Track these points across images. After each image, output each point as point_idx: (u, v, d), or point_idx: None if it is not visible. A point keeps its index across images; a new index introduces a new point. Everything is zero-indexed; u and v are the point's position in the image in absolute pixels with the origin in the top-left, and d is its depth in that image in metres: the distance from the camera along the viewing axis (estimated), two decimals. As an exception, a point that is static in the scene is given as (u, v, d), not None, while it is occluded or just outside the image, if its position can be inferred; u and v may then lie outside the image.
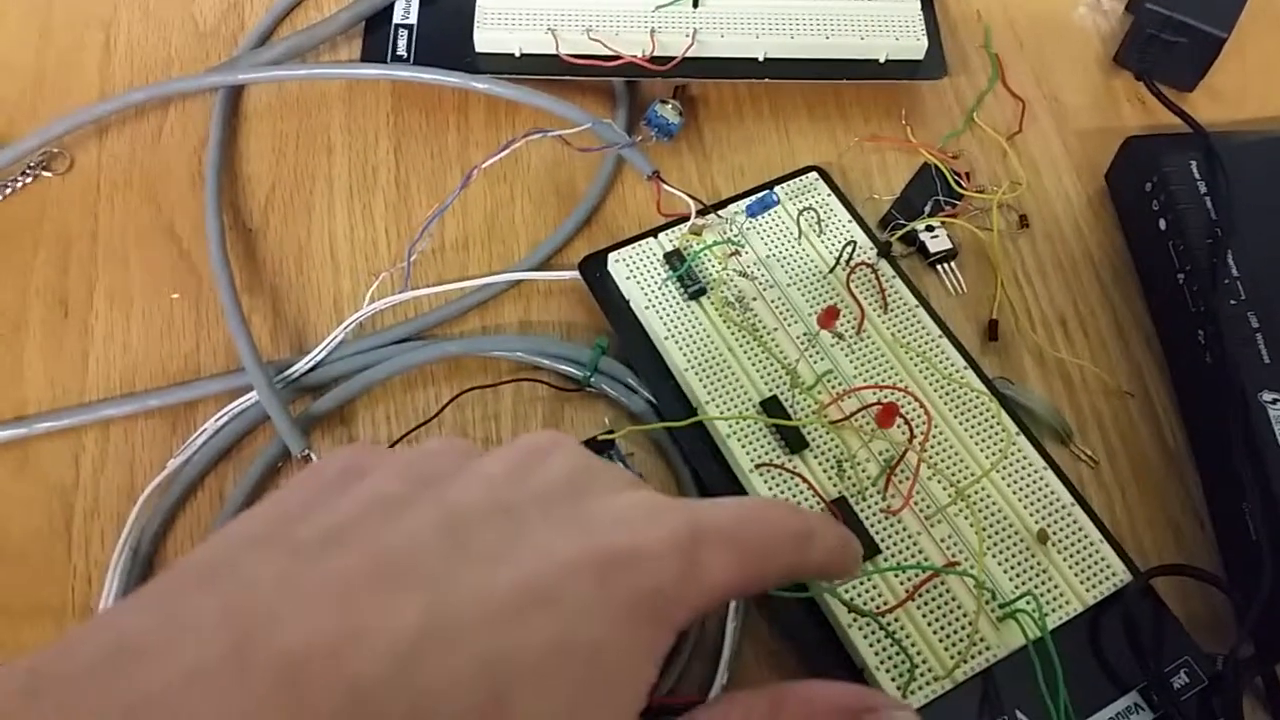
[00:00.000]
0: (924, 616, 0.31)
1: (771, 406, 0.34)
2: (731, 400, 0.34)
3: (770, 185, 0.39)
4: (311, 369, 0.36)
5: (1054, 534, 0.32)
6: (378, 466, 0.20)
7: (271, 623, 0.16)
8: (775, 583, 0.22)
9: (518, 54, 0.41)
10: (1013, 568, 0.32)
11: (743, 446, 0.33)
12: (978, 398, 0.35)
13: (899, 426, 0.33)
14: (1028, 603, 0.31)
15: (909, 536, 0.32)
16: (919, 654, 0.30)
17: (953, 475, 0.33)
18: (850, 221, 0.38)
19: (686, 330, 0.35)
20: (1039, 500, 0.33)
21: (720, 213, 0.38)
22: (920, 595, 0.31)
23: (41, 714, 0.15)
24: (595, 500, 0.20)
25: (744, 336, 0.35)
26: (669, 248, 0.37)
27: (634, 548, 0.18)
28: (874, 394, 0.34)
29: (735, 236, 0.38)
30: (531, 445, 0.21)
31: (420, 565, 0.17)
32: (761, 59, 0.41)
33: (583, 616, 0.17)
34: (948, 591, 0.31)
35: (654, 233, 0.38)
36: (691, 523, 0.19)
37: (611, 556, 0.18)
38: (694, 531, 0.19)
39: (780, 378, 0.35)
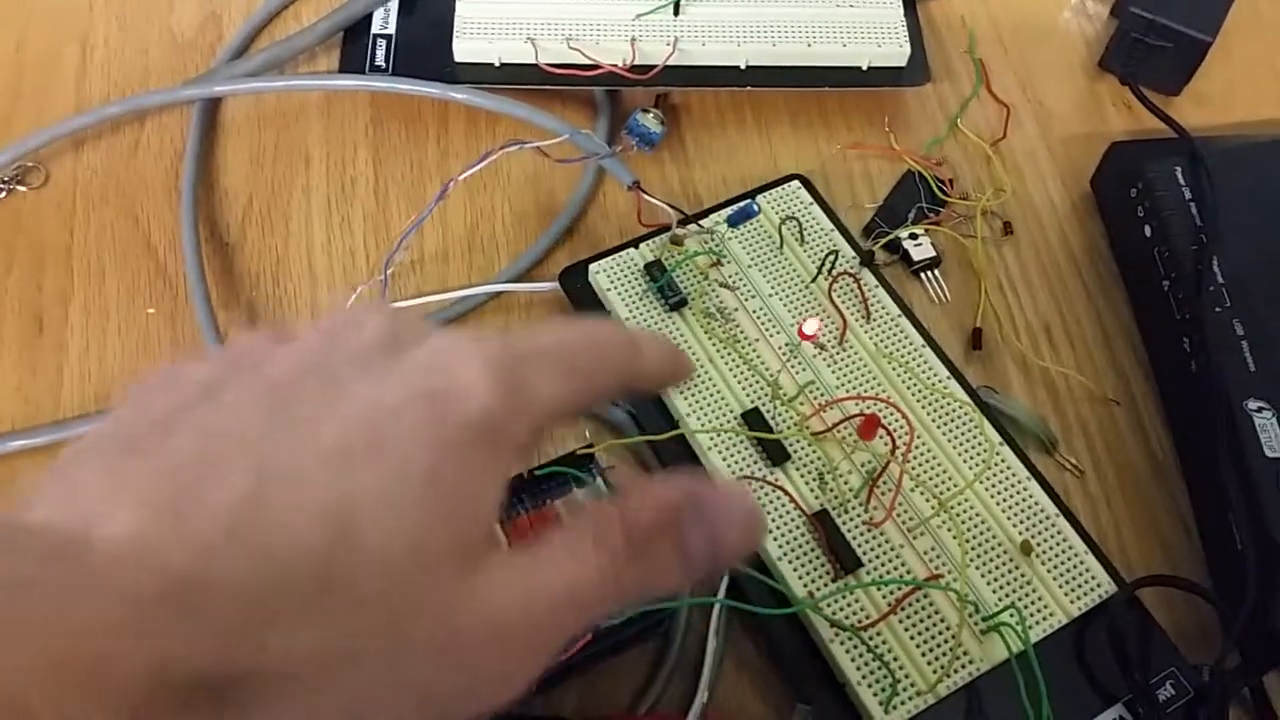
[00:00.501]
0: (907, 630, 0.30)
1: (753, 419, 0.33)
2: (712, 412, 0.34)
3: (752, 194, 0.39)
4: (288, 384, 0.36)
5: (1038, 545, 0.32)
6: (194, 364, 0.20)
7: (100, 518, 0.16)
8: (608, 394, 0.22)
9: (497, 64, 0.41)
10: (996, 580, 0.31)
11: (724, 459, 0.33)
12: (961, 408, 0.34)
13: (881, 438, 0.33)
14: (1011, 615, 0.30)
15: (891, 549, 0.32)
16: (901, 669, 0.30)
17: (936, 487, 0.33)
18: (833, 230, 0.38)
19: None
20: (1023, 511, 0.33)
21: (701, 222, 0.38)
22: (903, 609, 0.30)
23: None
24: (411, 351, 0.20)
25: (725, 348, 0.35)
26: (650, 258, 0.37)
27: (454, 380, 0.19)
28: (856, 405, 0.34)
29: (716, 246, 0.37)
30: (341, 317, 0.21)
31: (243, 434, 0.18)
32: (743, 67, 0.41)
33: (413, 449, 0.18)
34: (931, 604, 0.31)
35: (635, 243, 0.37)
36: (507, 348, 0.20)
37: (434, 391, 0.19)
38: (512, 354, 0.20)
39: (762, 389, 0.34)
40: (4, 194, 0.40)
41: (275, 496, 0.17)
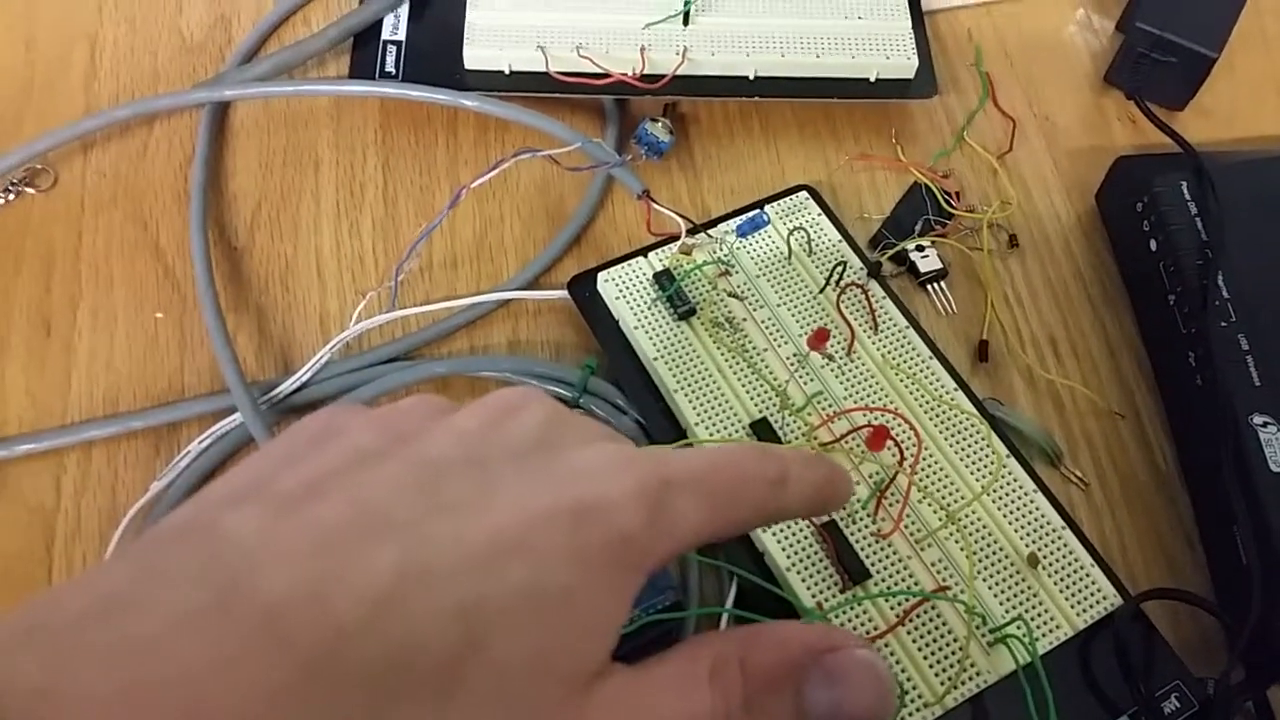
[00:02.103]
0: (914, 642, 0.30)
1: (761, 428, 0.34)
2: (721, 422, 0.34)
3: (760, 204, 0.39)
4: (297, 389, 0.36)
5: (1044, 557, 0.32)
6: (353, 424, 0.21)
7: (252, 572, 0.16)
8: (751, 525, 0.23)
9: (507, 71, 0.41)
10: (1003, 592, 0.32)
11: (732, 469, 0.33)
12: (968, 419, 0.35)
13: (889, 449, 0.33)
14: (1018, 627, 0.30)
15: (899, 560, 0.32)
16: (909, 680, 0.30)
17: (943, 498, 0.33)
18: (840, 241, 0.38)
19: (676, 351, 0.35)
20: (1029, 523, 0.33)
21: (710, 232, 0.38)
22: (910, 620, 0.30)
23: (37, 661, 0.15)
24: (566, 453, 0.20)
25: (734, 357, 0.35)
26: (659, 267, 0.37)
27: (602, 497, 0.19)
28: (864, 416, 0.34)
29: (725, 256, 0.37)
30: (504, 401, 0.22)
31: (395, 514, 0.18)
32: (752, 77, 0.41)
33: (553, 563, 0.18)
34: (938, 616, 0.31)
35: (643, 252, 0.37)
36: (659, 471, 0.20)
37: (581, 506, 0.19)
38: (661, 479, 0.20)
39: (770, 399, 0.34)
40: (13, 196, 0.40)
41: (415, 589, 0.17)
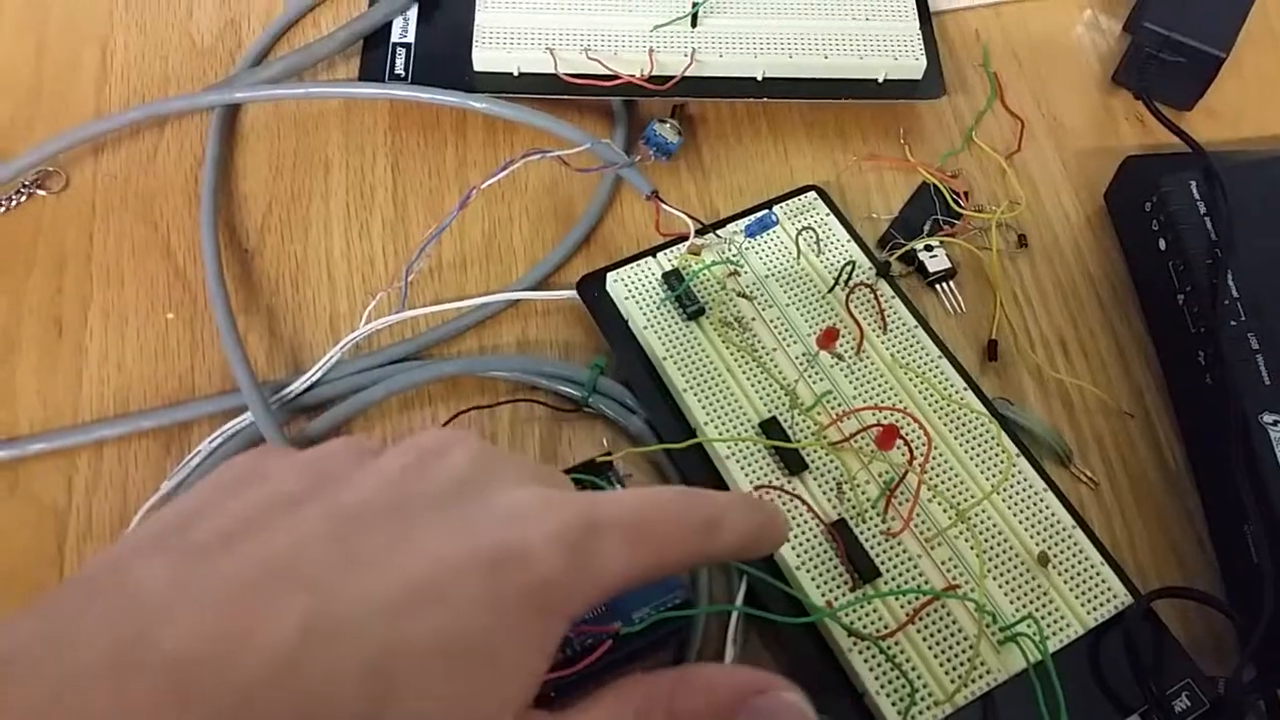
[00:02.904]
0: (925, 640, 0.30)
1: (770, 428, 0.34)
2: (730, 421, 0.34)
3: (769, 205, 0.39)
4: (307, 389, 0.36)
5: (1055, 556, 0.32)
6: (275, 469, 0.20)
7: (155, 626, 0.16)
8: (679, 569, 0.23)
9: (516, 73, 0.41)
10: (1013, 590, 0.32)
11: (741, 468, 0.33)
12: (977, 419, 0.35)
13: (899, 448, 0.33)
14: (1029, 626, 0.30)
15: (909, 559, 0.32)
16: (919, 678, 0.30)
17: (953, 497, 0.33)
18: (849, 241, 0.38)
19: (685, 350, 0.35)
20: (1039, 522, 0.33)
21: (719, 232, 0.38)
22: (921, 619, 0.30)
23: None
24: (489, 496, 0.20)
25: (743, 357, 0.35)
26: (667, 267, 0.37)
27: (522, 543, 0.19)
28: (874, 415, 0.34)
29: (734, 256, 0.37)
30: (429, 442, 0.21)
31: (307, 566, 0.18)
32: (760, 78, 0.41)
33: (468, 613, 0.18)
34: (948, 615, 0.31)
35: (652, 252, 0.37)
36: (583, 515, 0.20)
37: (499, 552, 0.18)
38: (587, 522, 0.19)
39: (779, 399, 0.34)
40: (24, 198, 0.40)
41: (323, 643, 0.17)
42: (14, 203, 0.40)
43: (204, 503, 0.19)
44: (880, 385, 0.35)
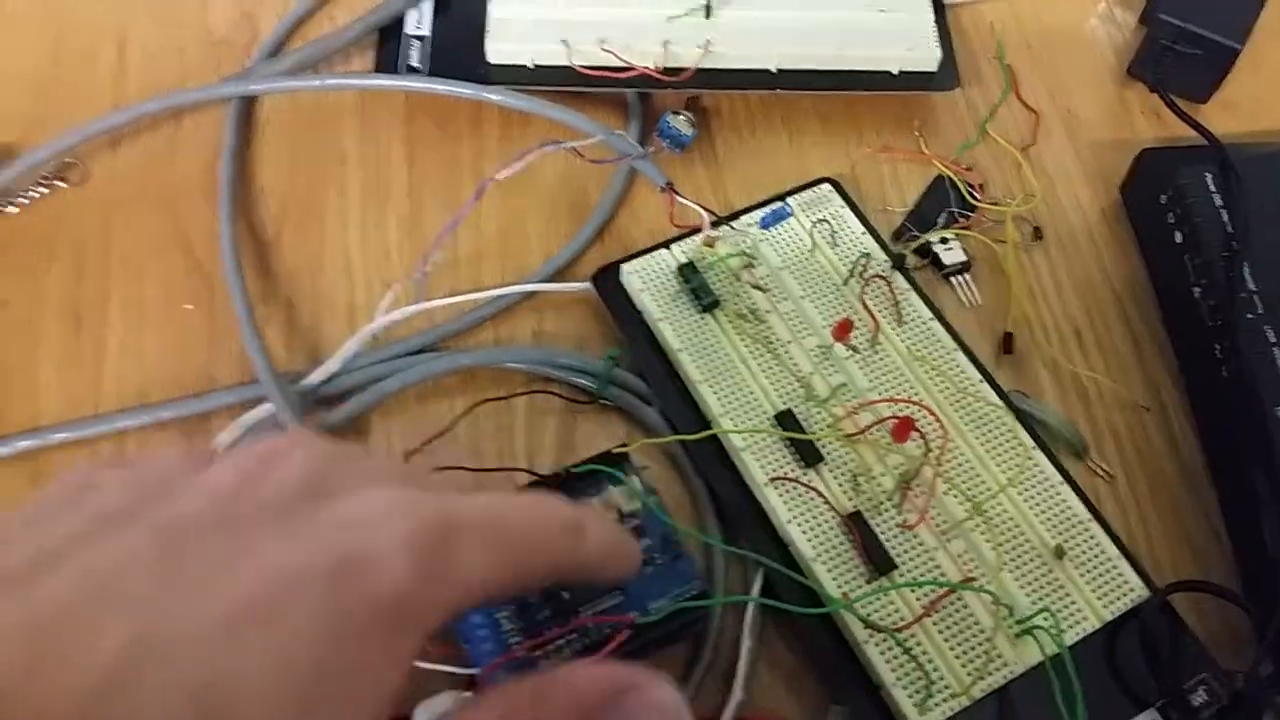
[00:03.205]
0: (940, 633, 0.30)
1: (786, 420, 0.34)
2: (745, 413, 0.34)
3: (783, 197, 0.39)
4: (326, 381, 0.36)
5: (1071, 549, 0.32)
6: (103, 483, 0.19)
7: None
8: (544, 577, 0.21)
9: (530, 65, 0.41)
10: (1029, 583, 0.32)
11: (757, 460, 0.33)
12: (993, 411, 0.35)
13: (914, 440, 0.33)
14: (1045, 619, 0.30)
15: (925, 551, 0.32)
16: (936, 671, 0.30)
17: (969, 490, 0.33)
18: (864, 233, 0.38)
19: (700, 342, 0.35)
20: (1055, 515, 0.33)
21: (733, 224, 0.38)
22: (937, 611, 0.31)
23: None
24: (332, 503, 0.18)
25: (758, 349, 0.35)
26: (682, 260, 0.37)
27: (366, 550, 0.17)
28: (889, 407, 0.34)
29: (749, 248, 0.37)
30: (266, 450, 0.20)
31: (128, 587, 0.16)
32: (774, 70, 0.41)
33: (305, 631, 0.16)
34: (965, 607, 0.31)
35: (667, 244, 0.38)
36: (435, 519, 0.18)
37: (339, 563, 0.17)
38: (443, 524, 0.18)
39: (794, 391, 0.34)
40: (44, 191, 0.40)
41: (146, 671, 0.15)
42: (34, 196, 0.40)
43: (24, 522, 0.18)
44: (895, 377, 0.35)
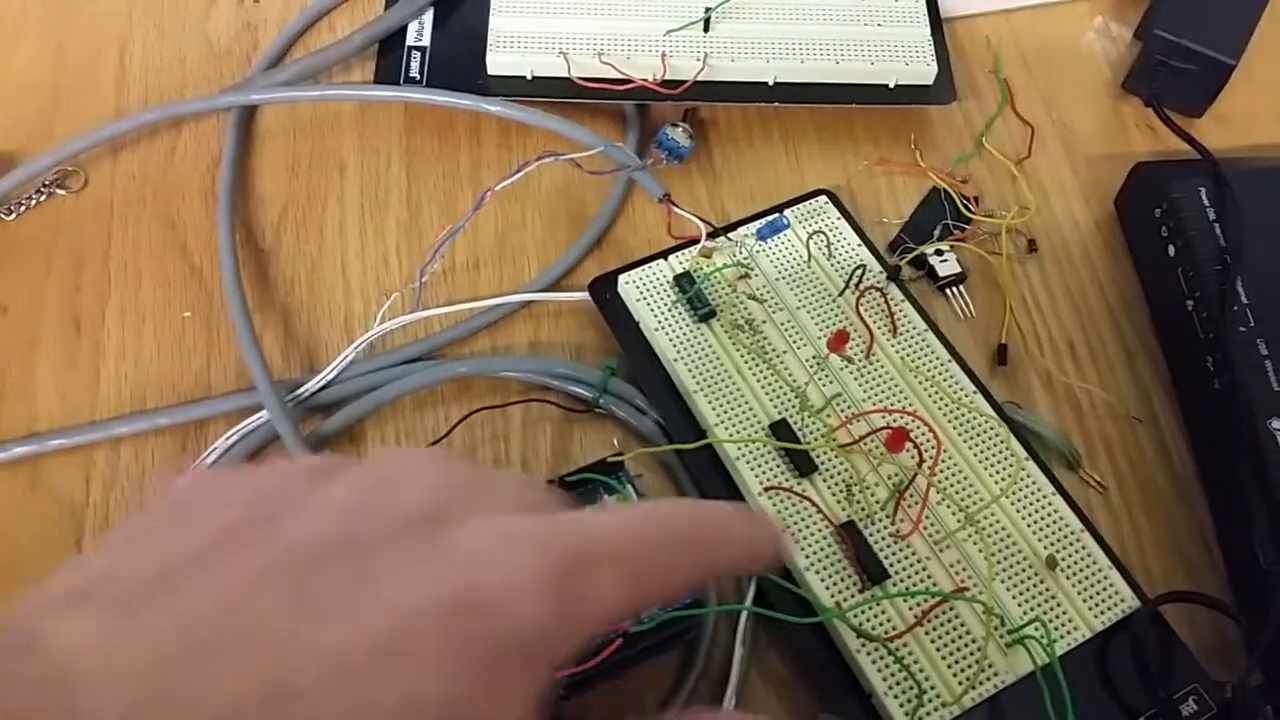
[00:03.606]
0: (933, 642, 0.30)
1: (780, 430, 0.34)
2: (740, 423, 0.34)
3: (780, 208, 0.39)
4: (322, 388, 0.36)
5: (1063, 560, 0.32)
6: (223, 491, 0.19)
7: (90, 694, 0.14)
8: (680, 594, 0.21)
9: (529, 77, 0.41)
10: (1021, 593, 0.32)
11: (751, 469, 0.33)
12: (987, 422, 0.35)
13: (908, 451, 0.34)
14: (1036, 629, 0.31)
15: (918, 561, 0.32)
16: (927, 680, 0.30)
17: (962, 500, 0.33)
18: (860, 245, 0.39)
19: (696, 352, 0.35)
20: (1048, 526, 0.33)
21: (730, 235, 0.38)
22: (929, 621, 0.31)
23: None
24: (453, 531, 0.18)
25: (753, 359, 0.35)
26: (679, 270, 0.37)
27: (494, 586, 0.17)
28: (883, 418, 0.34)
29: (745, 259, 0.38)
30: (387, 467, 0.19)
31: (254, 620, 0.16)
32: (772, 83, 0.42)
33: (433, 671, 0.16)
34: (956, 617, 0.31)
35: (664, 255, 0.38)
36: (565, 550, 0.17)
37: (463, 601, 0.16)
38: (573, 555, 0.17)
39: (790, 401, 0.35)
40: (44, 197, 0.40)
41: (279, 706, 0.15)
42: (34, 202, 0.40)
43: (143, 531, 0.18)
44: (890, 388, 0.35)
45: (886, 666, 0.30)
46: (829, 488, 0.33)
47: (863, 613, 0.31)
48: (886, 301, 0.37)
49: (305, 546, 0.17)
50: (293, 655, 0.15)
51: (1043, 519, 0.33)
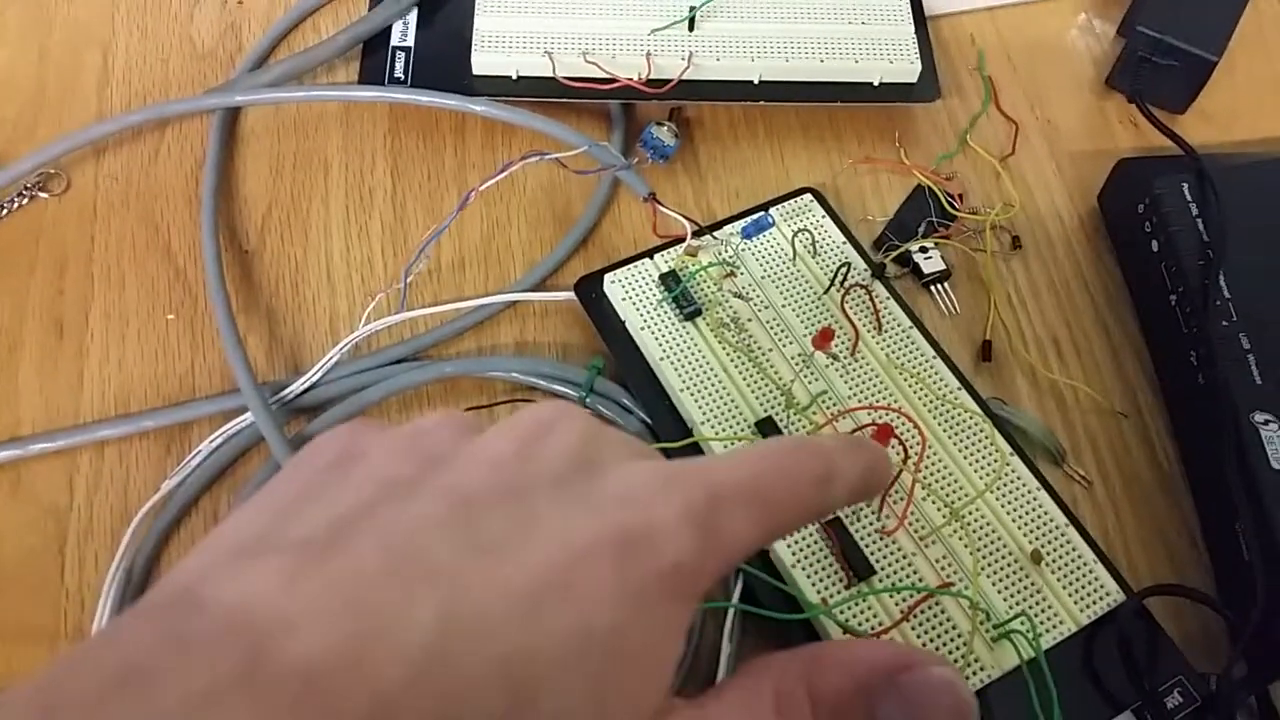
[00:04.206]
0: (919, 637, 0.31)
1: (766, 427, 0.34)
2: (726, 421, 0.34)
3: (765, 207, 0.39)
4: (307, 390, 0.36)
5: (1048, 554, 0.32)
6: (373, 447, 0.19)
7: (281, 634, 0.15)
8: (800, 525, 0.22)
9: (514, 77, 0.41)
10: (1007, 588, 0.32)
11: (738, 467, 0.33)
12: (971, 419, 0.35)
13: (894, 447, 0.34)
14: (1022, 623, 0.31)
15: (904, 557, 0.32)
16: (914, 675, 0.30)
17: (947, 496, 0.33)
18: (844, 243, 0.39)
19: (682, 351, 0.35)
20: (1033, 521, 0.33)
21: (715, 234, 0.38)
22: (915, 616, 0.31)
23: None
24: (605, 475, 0.19)
25: (739, 357, 0.35)
26: (664, 269, 0.37)
27: (649, 523, 0.18)
28: (869, 415, 0.34)
29: (730, 258, 0.38)
30: (535, 420, 0.20)
31: (432, 558, 0.16)
32: (756, 82, 0.42)
33: (600, 603, 0.17)
34: (942, 612, 0.31)
35: (650, 254, 0.38)
36: (706, 488, 0.18)
37: (626, 536, 0.17)
38: (709, 498, 0.18)
39: (775, 398, 0.35)
40: (26, 200, 0.40)
41: (460, 642, 0.16)
42: (16, 205, 0.40)
43: (302, 490, 0.18)
44: (875, 385, 0.35)
45: (873, 662, 0.30)
46: (815, 485, 0.33)
47: (849, 609, 0.31)
48: (871, 299, 0.37)
49: (468, 491, 0.18)
50: (467, 591, 0.16)
51: (1028, 514, 0.33)
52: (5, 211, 0.40)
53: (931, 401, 0.35)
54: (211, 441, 0.35)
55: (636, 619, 0.17)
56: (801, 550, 0.32)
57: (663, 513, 0.18)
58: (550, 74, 0.41)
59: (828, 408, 0.35)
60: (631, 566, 0.17)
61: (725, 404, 0.34)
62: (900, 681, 0.19)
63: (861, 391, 0.35)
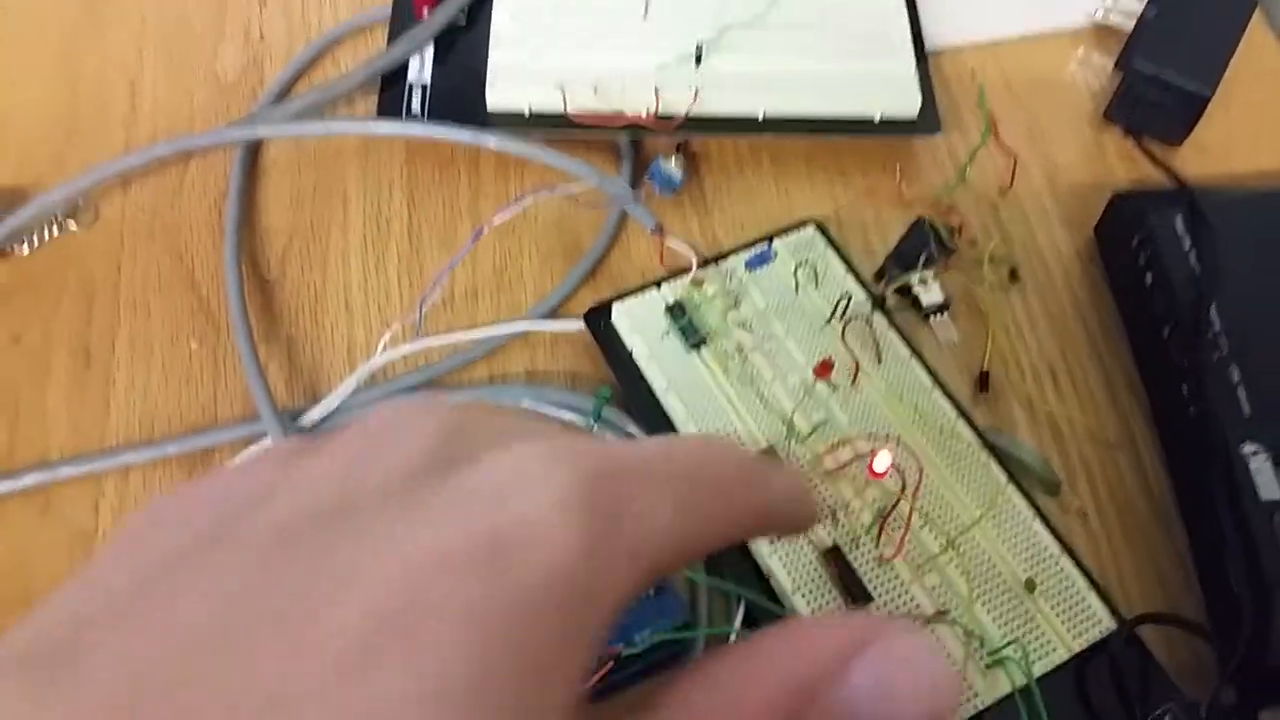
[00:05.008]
0: (915, 663, 0.31)
1: (768, 456, 0.35)
2: (730, 450, 0.35)
3: (769, 239, 0.41)
4: (325, 417, 0.37)
5: (1041, 583, 0.33)
6: (176, 513, 0.15)
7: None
8: (733, 535, 0.16)
9: (527, 112, 0.43)
10: (1000, 616, 0.33)
11: (740, 495, 0.34)
12: (969, 448, 0.36)
13: (892, 476, 0.35)
14: (1015, 650, 0.32)
15: (901, 584, 0.33)
16: (910, 700, 0.31)
17: (944, 524, 0.34)
18: (846, 274, 0.40)
19: (687, 381, 0.37)
20: (1027, 549, 0.34)
21: (720, 265, 0.39)
22: (911, 642, 0.32)
23: None
24: (466, 470, 0.14)
25: (742, 387, 0.36)
26: (671, 300, 0.38)
27: (522, 516, 0.13)
28: (868, 444, 0.35)
29: (735, 289, 0.39)
30: (387, 417, 0.16)
31: (223, 637, 0.12)
32: (761, 117, 0.43)
33: (454, 640, 0.12)
34: (936, 639, 0.32)
35: (657, 284, 0.39)
36: (596, 467, 0.14)
37: (491, 539, 0.13)
38: (601, 478, 0.14)
39: (776, 427, 0.36)
40: (56, 231, 0.42)
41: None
42: (47, 235, 0.41)
43: (91, 580, 0.14)
44: (875, 415, 0.36)
45: (870, 687, 0.31)
46: (815, 513, 0.34)
47: (847, 635, 0.32)
48: (871, 330, 0.38)
49: (279, 527, 0.14)
50: (277, 660, 0.12)
51: (1022, 543, 0.34)
52: (37, 242, 0.41)
53: (930, 431, 0.36)
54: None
55: (511, 649, 0.13)
56: (801, 576, 0.33)
57: (541, 499, 0.14)
58: (562, 109, 0.42)
59: (827, 437, 0.36)
60: (494, 580, 0.13)
61: (728, 432, 0.36)
62: (864, 667, 0.14)
63: (861, 421, 0.36)
